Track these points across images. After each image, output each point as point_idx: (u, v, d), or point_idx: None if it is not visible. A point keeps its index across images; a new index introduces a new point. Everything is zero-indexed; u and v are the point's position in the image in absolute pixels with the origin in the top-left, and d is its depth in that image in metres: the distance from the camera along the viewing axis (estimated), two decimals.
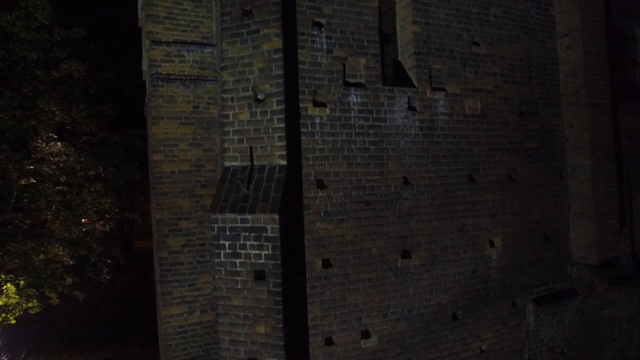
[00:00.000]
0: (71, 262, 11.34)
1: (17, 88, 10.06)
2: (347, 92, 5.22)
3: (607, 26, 6.73)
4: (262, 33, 4.70)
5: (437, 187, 5.70)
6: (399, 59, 5.92)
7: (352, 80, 5.28)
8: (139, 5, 7.23)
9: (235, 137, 4.75)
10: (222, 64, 4.84)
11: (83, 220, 11.74)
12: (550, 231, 6.55)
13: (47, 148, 10.49)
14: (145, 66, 7.63)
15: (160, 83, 6.11)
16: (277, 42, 4.65)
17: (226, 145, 4.80)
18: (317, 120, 5.04)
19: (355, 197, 5.22)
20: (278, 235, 4.39)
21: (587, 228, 6.48)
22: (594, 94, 6.48)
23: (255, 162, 4.68)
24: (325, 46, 5.15)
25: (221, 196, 4.64)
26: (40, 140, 10.40)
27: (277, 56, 4.64)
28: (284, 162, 4.59)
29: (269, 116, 4.63)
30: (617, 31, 7.51)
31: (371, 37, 5.41)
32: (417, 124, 5.61)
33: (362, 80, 5.33)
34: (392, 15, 6.02)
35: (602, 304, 6.84)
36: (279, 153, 4.60)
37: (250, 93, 4.71)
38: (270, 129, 4.62)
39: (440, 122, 5.76)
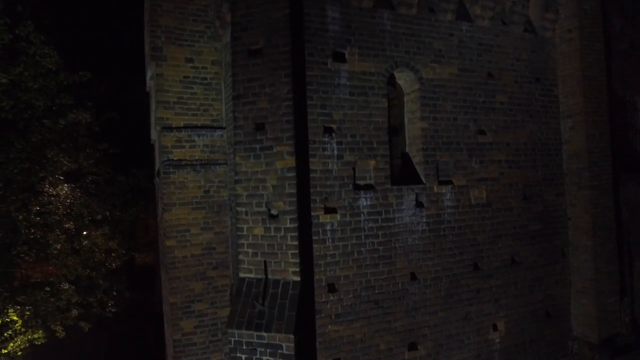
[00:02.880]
0: (77, 300, 11.51)
1: (23, 132, 10.12)
2: (357, 195, 5.37)
3: (609, 106, 6.87)
4: (275, 150, 4.83)
5: (442, 279, 5.87)
6: (407, 150, 6.05)
7: (362, 183, 5.42)
8: (147, 75, 7.32)
9: (250, 251, 4.90)
10: (236, 177, 4.97)
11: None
12: (552, 309, 6.74)
13: (54, 192, 10.60)
14: (154, 135, 7.73)
15: (171, 170, 6.24)
16: (290, 161, 4.78)
17: (241, 257, 4.95)
18: (328, 227, 5.19)
19: (365, 297, 5.39)
20: (293, 353, 4.56)
21: (588, 307, 6.66)
22: (596, 176, 6.62)
23: (270, 276, 4.84)
24: (336, 152, 5.28)
25: (237, 311, 4.79)
26: (47, 185, 10.50)
27: (290, 174, 4.78)
28: (297, 278, 4.75)
29: (282, 233, 4.78)
30: (618, 100, 7.64)
31: (380, 137, 5.55)
32: (424, 220, 5.76)
33: (372, 182, 5.47)
34: (399, 106, 6.13)
35: None
36: (293, 270, 4.75)
37: (264, 209, 4.85)
38: (284, 245, 4.77)
39: (446, 215, 5.91)
